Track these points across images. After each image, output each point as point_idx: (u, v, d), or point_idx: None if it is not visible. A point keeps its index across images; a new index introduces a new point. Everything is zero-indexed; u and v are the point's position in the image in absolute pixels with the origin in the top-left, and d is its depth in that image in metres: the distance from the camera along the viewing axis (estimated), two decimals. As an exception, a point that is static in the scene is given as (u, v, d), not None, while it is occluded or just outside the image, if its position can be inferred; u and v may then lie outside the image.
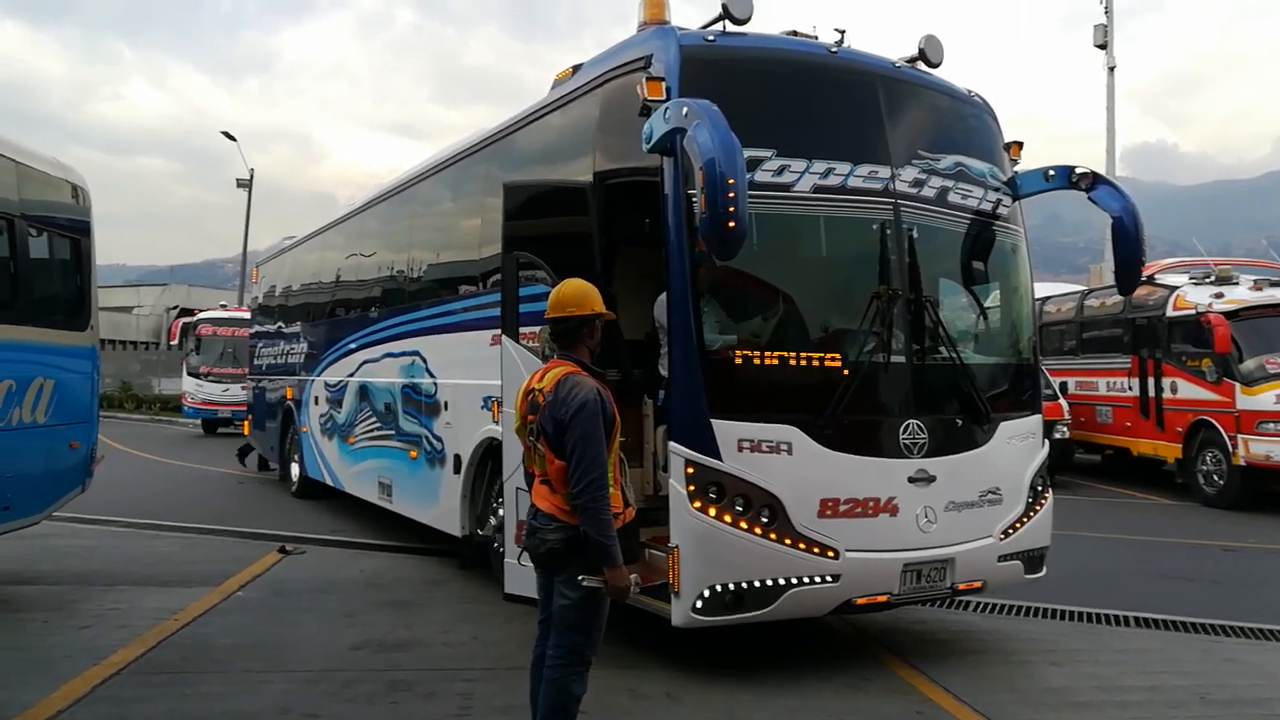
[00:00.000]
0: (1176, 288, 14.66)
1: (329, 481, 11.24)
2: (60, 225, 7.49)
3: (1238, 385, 13.22)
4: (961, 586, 5.73)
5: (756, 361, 5.32)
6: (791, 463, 5.26)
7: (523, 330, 6.19)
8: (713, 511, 5.14)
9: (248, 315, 18.93)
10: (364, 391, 9.97)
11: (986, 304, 6.13)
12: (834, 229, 5.69)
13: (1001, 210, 6.23)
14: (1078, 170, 6.10)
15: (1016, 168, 6.49)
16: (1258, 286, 14.05)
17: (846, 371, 5.43)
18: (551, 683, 3.88)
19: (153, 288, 54.63)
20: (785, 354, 5.37)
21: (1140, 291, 15.21)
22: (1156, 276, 15.68)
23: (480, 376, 7.15)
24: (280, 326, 13.71)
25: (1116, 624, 7.07)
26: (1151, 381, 14.86)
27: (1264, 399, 12.97)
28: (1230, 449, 13.20)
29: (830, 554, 5.27)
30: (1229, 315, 13.50)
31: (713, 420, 5.19)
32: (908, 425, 5.53)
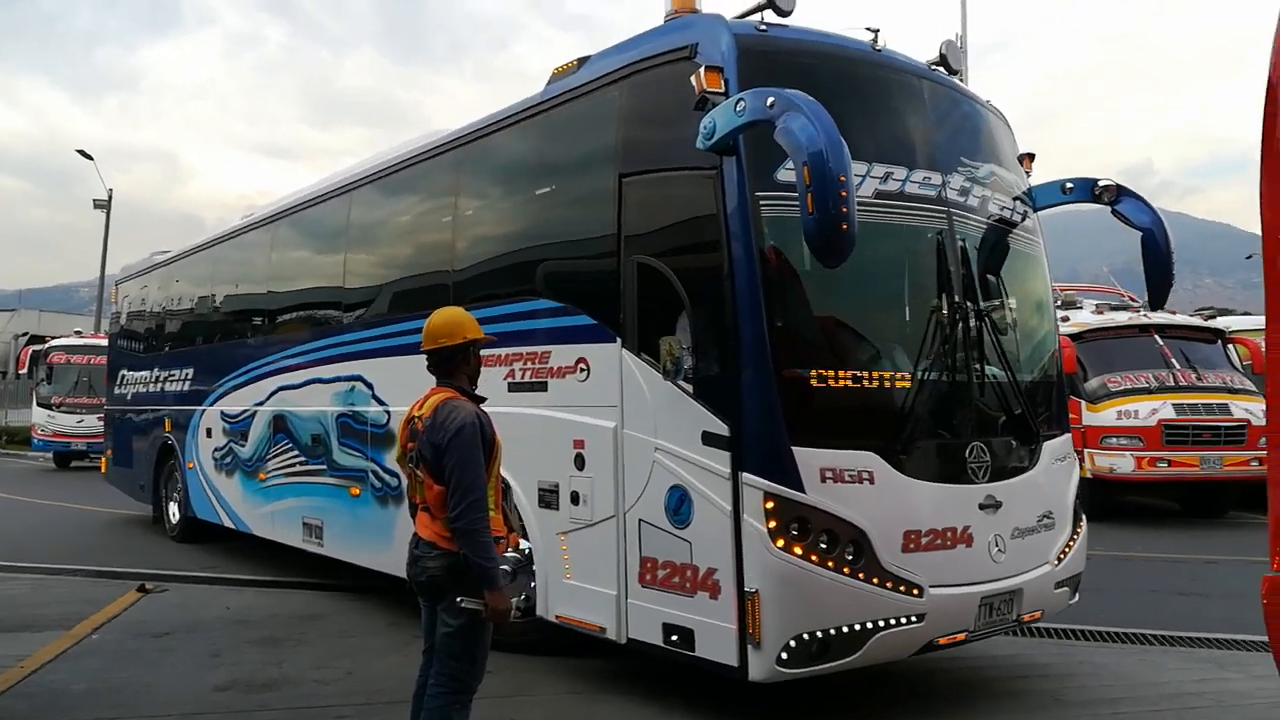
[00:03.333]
0: (1026, 313, 14.88)
1: (227, 523, 9.40)
2: None
3: (1083, 403, 13.41)
4: (1026, 618, 5.04)
5: (833, 382, 4.44)
6: (874, 493, 4.41)
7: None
8: (798, 550, 4.23)
9: (105, 342, 16.43)
10: (280, 422, 8.33)
11: (1026, 319, 5.50)
12: (895, 238, 4.88)
13: (1029, 222, 5.62)
14: (1101, 183, 5.56)
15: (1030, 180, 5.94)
16: (1100, 310, 14.39)
17: (919, 392, 4.65)
18: (432, 712, 3.56)
19: (-1, 313, 47.58)
20: (860, 373, 4.54)
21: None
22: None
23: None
24: (153, 350, 11.62)
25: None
26: (1005, 400, 15.02)
27: (1106, 415, 13.22)
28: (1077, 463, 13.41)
29: (915, 591, 4.45)
30: (1074, 337, 13.67)
31: (794, 448, 4.28)
32: (973, 448, 4.80)
